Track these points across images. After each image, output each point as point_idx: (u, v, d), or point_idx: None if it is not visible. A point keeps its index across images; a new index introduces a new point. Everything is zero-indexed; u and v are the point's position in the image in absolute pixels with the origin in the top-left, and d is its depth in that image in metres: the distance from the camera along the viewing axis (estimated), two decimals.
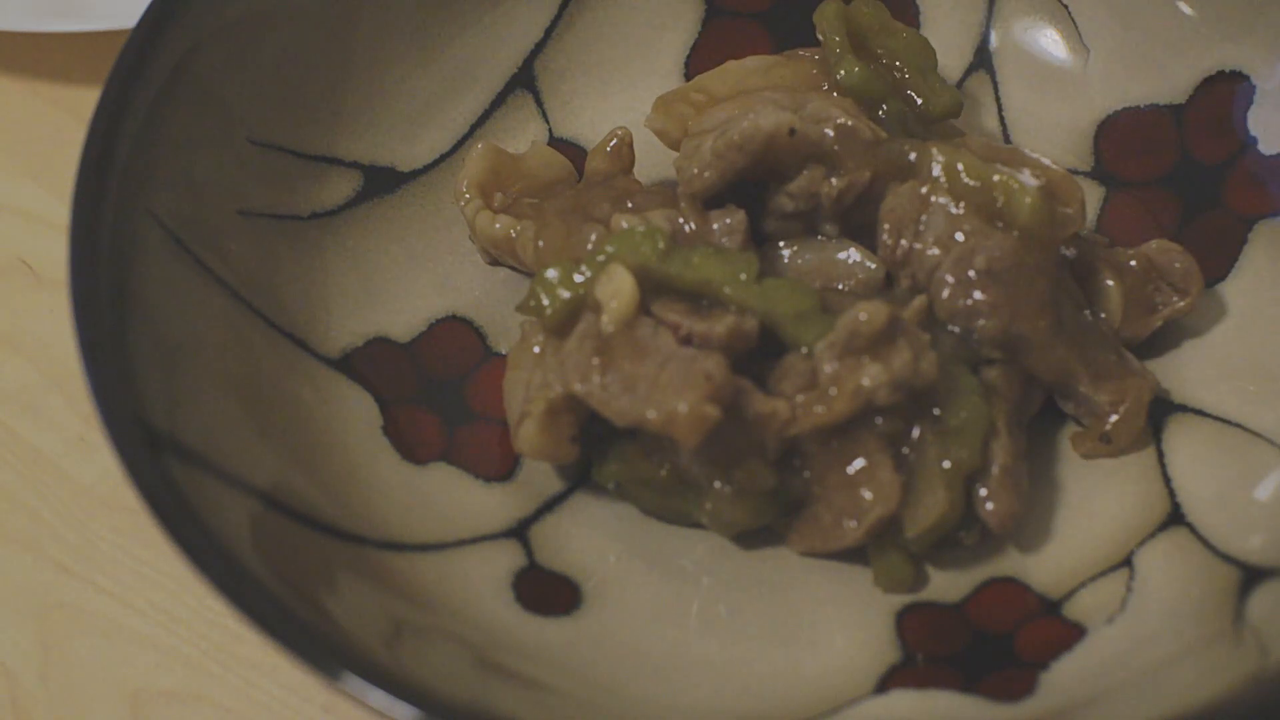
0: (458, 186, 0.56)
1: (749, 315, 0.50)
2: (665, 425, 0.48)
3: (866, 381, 0.48)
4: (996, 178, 0.51)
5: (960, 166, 0.51)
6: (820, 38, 0.56)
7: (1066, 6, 0.59)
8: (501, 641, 0.49)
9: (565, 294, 0.50)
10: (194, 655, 0.53)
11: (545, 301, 0.50)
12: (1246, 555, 0.49)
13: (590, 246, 0.52)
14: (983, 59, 0.60)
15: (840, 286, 0.53)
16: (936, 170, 0.52)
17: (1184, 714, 0.43)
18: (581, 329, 0.50)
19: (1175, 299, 0.54)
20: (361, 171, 0.57)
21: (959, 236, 0.51)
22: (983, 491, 0.50)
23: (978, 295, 0.50)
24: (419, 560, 0.50)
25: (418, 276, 0.57)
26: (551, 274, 0.51)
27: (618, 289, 0.49)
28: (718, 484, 0.50)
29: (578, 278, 0.50)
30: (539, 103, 0.60)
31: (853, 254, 0.53)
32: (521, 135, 0.59)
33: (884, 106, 0.55)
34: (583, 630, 0.50)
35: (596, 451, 0.52)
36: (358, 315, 0.55)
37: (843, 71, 0.54)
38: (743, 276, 0.50)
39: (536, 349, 0.52)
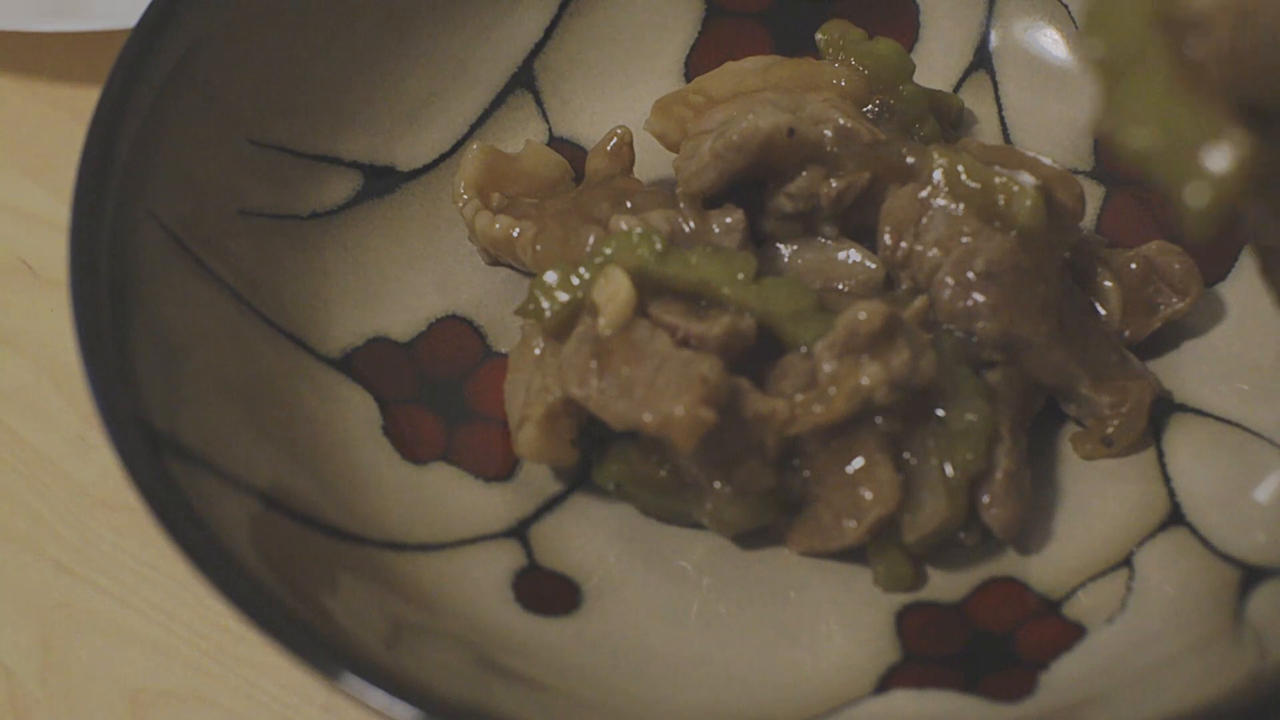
0: (455, 188, 0.56)
1: (746, 315, 0.50)
2: (661, 428, 0.48)
3: (865, 381, 0.48)
4: (997, 180, 0.51)
5: (960, 168, 0.51)
6: (829, 35, 0.56)
7: (1066, 6, 0.59)
8: (501, 641, 0.49)
9: (564, 297, 0.50)
10: (194, 655, 0.53)
11: (544, 305, 0.51)
12: (1246, 555, 0.49)
13: (589, 248, 0.52)
14: (983, 59, 0.60)
15: (840, 287, 0.53)
16: (937, 172, 0.52)
17: (1184, 714, 0.43)
18: (580, 332, 0.50)
19: (1175, 300, 0.54)
20: (361, 171, 0.57)
21: (959, 239, 0.51)
22: (985, 497, 0.50)
23: (978, 297, 0.50)
24: (419, 560, 0.50)
25: (418, 276, 0.57)
26: (550, 278, 0.51)
27: (614, 292, 0.50)
28: (718, 484, 0.50)
29: (575, 281, 0.50)
30: (539, 102, 0.60)
31: (852, 254, 0.53)
32: (521, 135, 0.59)
33: (901, 87, 0.55)
34: (583, 630, 0.50)
35: (596, 452, 0.52)
36: (358, 315, 0.55)
37: (875, 43, 0.55)
38: (740, 276, 0.50)
39: (537, 350, 0.52)
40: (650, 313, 0.50)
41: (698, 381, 0.48)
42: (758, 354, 0.50)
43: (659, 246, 0.50)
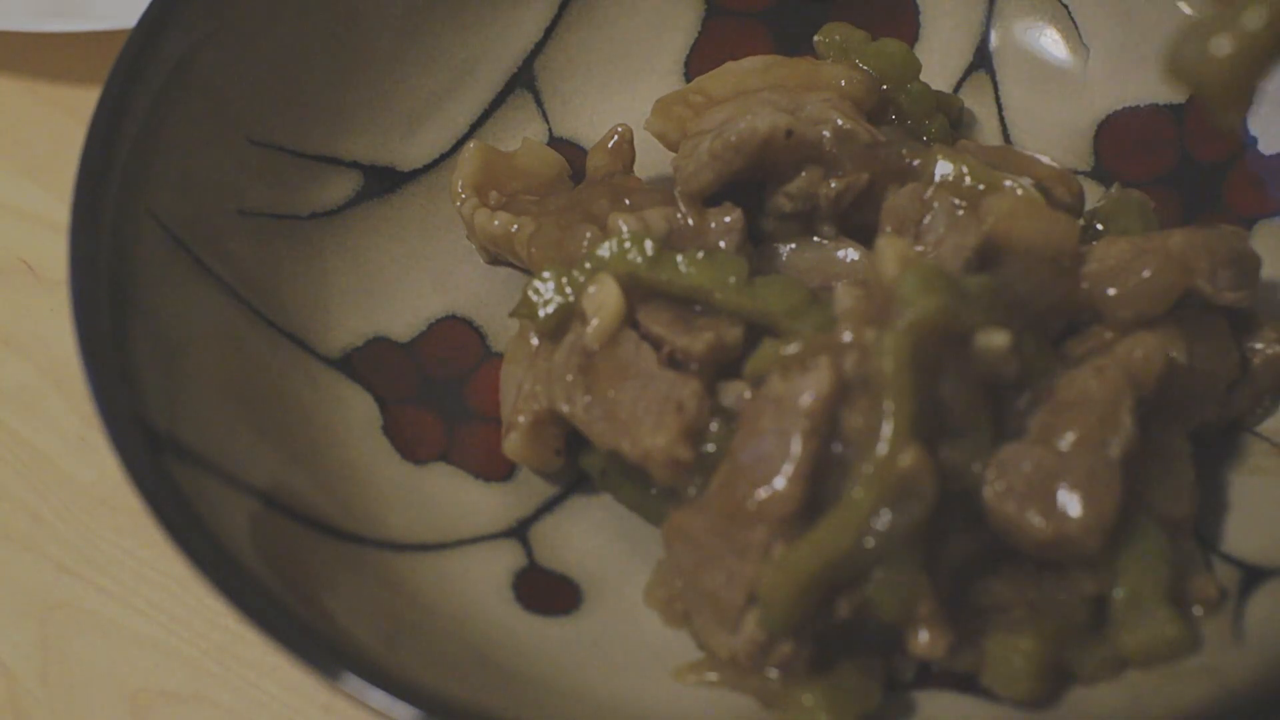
0: (453, 187, 0.56)
1: (734, 325, 0.50)
2: (640, 460, 0.48)
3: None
4: (1008, 183, 0.51)
5: (964, 169, 0.51)
6: (827, 38, 0.56)
7: (1066, 6, 0.59)
8: (501, 641, 0.49)
9: (558, 300, 0.50)
10: (194, 655, 0.53)
11: (538, 308, 0.51)
12: (1246, 555, 0.49)
13: (585, 247, 0.52)
14: (983, 59, 0.60)
15: (843, 283, 0.53)
16: (939, 173, 0.52)
17: (1184, 714, 0.43)
18: (570, 340, 0.50)
19: None
20: (361, 171, 0.57)
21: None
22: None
23: None
24: (419, 560, 0.50)
25: (417, 276, 0.57)
26: (542, 281, 0.51)
27: (602, 303, 0.50)
28: (691, 490, 0.49)
29: (568, 287, 0.50)
30: (539, 102, 0.60)
31: (851, 253, 0.54)
32: (522, 135, 0.59)
33: (909, 86, 0.55)
34: (583, 630, 0.50)
35: (584, 441, 0.52)
36: (358, 315, 0.55)
37: (881, 43, 0.55)
38: (732, 280, 0.50)
39: (535, 341, 0.52)
40: (640, 319, 0.50)
41: (675, 413, 0.48)
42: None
43: (650, 252, 0.50)
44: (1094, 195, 0.57)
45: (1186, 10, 0.57)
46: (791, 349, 0.47)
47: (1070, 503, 0.46)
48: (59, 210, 0.61)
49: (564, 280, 0.51)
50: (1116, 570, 0.46)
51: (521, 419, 0.51)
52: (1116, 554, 0.46)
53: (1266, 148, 0.56)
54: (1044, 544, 0.46)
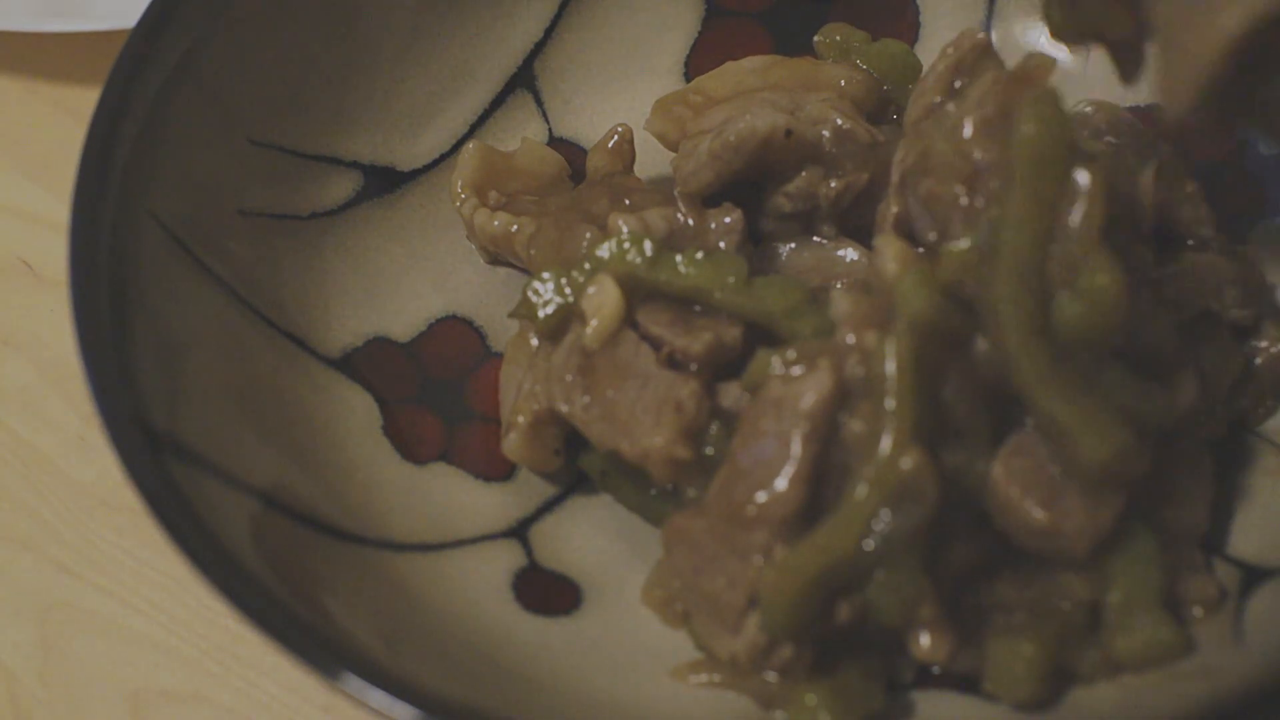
0: (453, 187, 0.56)
1: (732, 325, 0.50)
2: (639, 460, 0.48)
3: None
4: None
5: None
6: (826, 38, 0.56)
7: None
8: (501, 641, 0.49)
9: (557, 301, 0.51)
10: (194, 655, 0.53)
11: (538, 310, 0.51)
12: (1246, 555, 0.49)
13: (584, 248, 0.52)
14: None
15: (840, 286, 0.53)
16: None
17: (1183, 714, 0.43)
18: (570, 340, 0.50)
19: None
20: (361, 171, 0.57)
21: None
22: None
23: None
24: (419, 560, 0.50)
25: (417, 276, 0.57)
26: (542, 282, 0.51)
27: (601, 304, 0.50)
28: (691, 492, 0.49)
29: (568, 288, 0.50)
30: (539, 102, 0.60)
31: (850, 253, 0.54)
32: (521, 135, 0.59)
33: (911, 86, 0.55)
34: (583, 630, 0.50)
35: (584, 441, 0.52)
36: (358, 315, 0.55)
37: (883, 44, 0.55)
38: (731, 280, 0.50)
39: (535, 341, 0.52)
40: (639, 319, 0.50)
41: (674, 413, 0.48)
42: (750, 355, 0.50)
43: (650, 253, 0.50)
44: None
45: None
46: (791, 354, 0.47)
47: (1072, 503, 0.46)
48: (59, 210, 0.61)
49: (563, 281, 0.51)
50: (1109, 575, 0.46)
51: (521, 419, 0.51)
52: (1109, 558, 0.46)
53: (1266, 148, 0.56)
54: (1035, 533, 0.46)
